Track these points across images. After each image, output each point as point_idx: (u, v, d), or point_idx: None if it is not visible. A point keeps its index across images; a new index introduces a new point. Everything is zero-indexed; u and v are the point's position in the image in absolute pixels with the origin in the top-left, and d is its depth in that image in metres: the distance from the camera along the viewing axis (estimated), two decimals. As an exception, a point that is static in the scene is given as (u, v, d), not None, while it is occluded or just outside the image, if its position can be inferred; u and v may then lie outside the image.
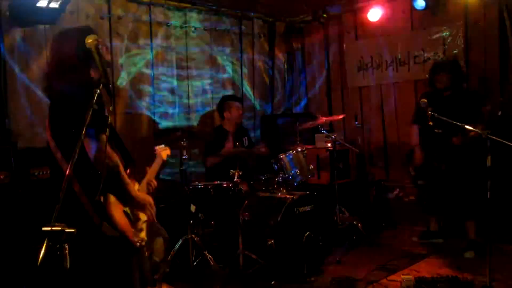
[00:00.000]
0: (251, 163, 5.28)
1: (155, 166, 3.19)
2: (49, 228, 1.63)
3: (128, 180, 2.28)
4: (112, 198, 2.25)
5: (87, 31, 2.24)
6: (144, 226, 2.52)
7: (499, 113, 4.03)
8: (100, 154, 2.09)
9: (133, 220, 2.42)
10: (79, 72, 2.22)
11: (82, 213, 2.16)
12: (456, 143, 4.21)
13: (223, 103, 5.07)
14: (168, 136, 4.18)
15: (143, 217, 2.53)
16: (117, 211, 2.27)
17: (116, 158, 2.19)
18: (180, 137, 4.02)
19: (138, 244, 2.38)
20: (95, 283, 2.24)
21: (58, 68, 2.26)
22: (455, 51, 5.17)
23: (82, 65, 2.23)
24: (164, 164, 3.42)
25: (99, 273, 2.24)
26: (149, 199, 2.44)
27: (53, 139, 2.25)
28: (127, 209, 2.38)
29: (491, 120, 4.11)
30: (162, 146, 3.41)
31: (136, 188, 2.54)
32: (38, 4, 3.96)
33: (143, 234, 2.50)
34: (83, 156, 2.05)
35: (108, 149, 2.08)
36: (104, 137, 2.06)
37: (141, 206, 2.37)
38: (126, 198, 2.29)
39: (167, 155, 3.37)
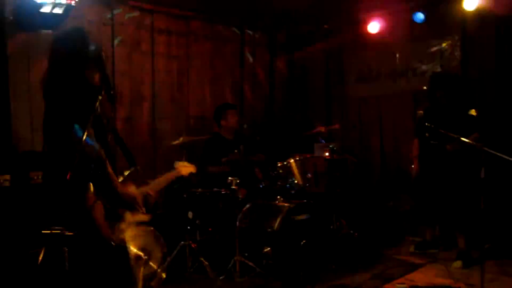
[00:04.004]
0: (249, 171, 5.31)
1: (164, 179, 3.07)
2: (48, 231, 1.67)
3: (114, 177, 2.33)
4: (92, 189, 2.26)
5: (82, 34, 2.34)
6: (127, 228, 2.47)
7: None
8: (84, 144, 2.14)
9: (114, 218, 2.39)
10: (73, 74, 2.29)
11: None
12: (449, 149, 4.25)
13: (219, 112, 5.13)
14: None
15: (129, 219, 2.49)
16: (97, 204, 2.27)
17: (101, 151, 2.24)
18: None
19: (113, 242, 2.33)
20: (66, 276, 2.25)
21: (54, 70, 2.35)
22: (452, 64, 5.23)
23: (76, 67, 2.31)
24: (182, 179, 3.34)
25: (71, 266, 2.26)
26: (136, 198, 2.47)
27: (43, 137, 2.40)
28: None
29: (483, 124, 4.13)
30: (185, 163, 3.31)
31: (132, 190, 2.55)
32: (42, 10, 4.03)
33: (123, 236, 2.43)
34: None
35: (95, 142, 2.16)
36: (91, 131, 2.14)
37: (127, 204, 2.41)
38: (112, 194, 2.32)
39: (190, 173, 3.26)
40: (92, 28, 4.77)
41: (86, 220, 2.23)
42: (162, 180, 3.03)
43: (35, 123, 4.37)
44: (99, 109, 2.28)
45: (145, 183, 2.81)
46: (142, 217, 2.63)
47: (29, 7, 4.05)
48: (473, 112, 4.03)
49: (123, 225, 2.46)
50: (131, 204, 2.46)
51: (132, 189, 2.55)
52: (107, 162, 2.30)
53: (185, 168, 3.23)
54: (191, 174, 3.27)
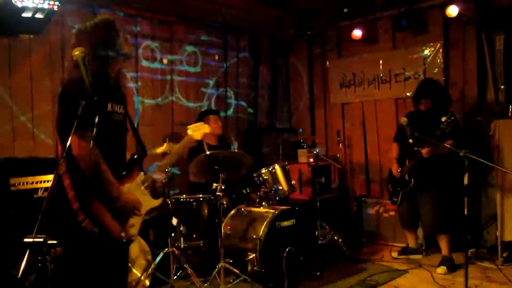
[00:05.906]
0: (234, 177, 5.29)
1: (178, 148, 2.93)
2: (31, 240, 1.63)
3: (111, 179, 2.29)
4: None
5: (104, 26, 2.51)
6: (136, 222, 2.47)
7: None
8: (82, 150, 2.14)
9: (122, 216, 2.38)
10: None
11: (67, 208, 2.18)
12: (424, 155, 4.31)
13: (201, 118, 5.10)
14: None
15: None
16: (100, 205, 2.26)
17: (97, 156, 2.21)
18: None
19: (124, 239, 2.35)
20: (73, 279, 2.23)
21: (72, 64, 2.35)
22: (434, 71, 5.31)
23: (96, 61, 2.28)
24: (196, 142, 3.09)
25: (78, 270, 2.24)
26: (135, 203, 2.41)
27: (58, 133, 2.34)
28: None
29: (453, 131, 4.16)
30: (198, 124, 3.11)
31: (139, 179, 2.54)
32: (24, 14, 3.96)
33: (134, 231, 2.45)
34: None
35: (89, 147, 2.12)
36: (89, 134, 2.09)
37: (124, 208, 2.36)
38: (109, 197, 2.29)
39: (203, 134, 3.07)
40: (74, 33, 4.70)
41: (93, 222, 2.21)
42: (176, 150, 2.92)
43: (16, 129, 4.30)
44: (109, 107, 2.38)
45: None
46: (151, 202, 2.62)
47: (10, 12, 3.97)
48: (443, 118, 4.07)
49: (132, 220, 2.44)
50: (131, 210, 2.41)
51: (137, 180, 2.53)
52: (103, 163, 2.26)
53: (197, 131, 3.05)
54: (205, 135, 3.07)
